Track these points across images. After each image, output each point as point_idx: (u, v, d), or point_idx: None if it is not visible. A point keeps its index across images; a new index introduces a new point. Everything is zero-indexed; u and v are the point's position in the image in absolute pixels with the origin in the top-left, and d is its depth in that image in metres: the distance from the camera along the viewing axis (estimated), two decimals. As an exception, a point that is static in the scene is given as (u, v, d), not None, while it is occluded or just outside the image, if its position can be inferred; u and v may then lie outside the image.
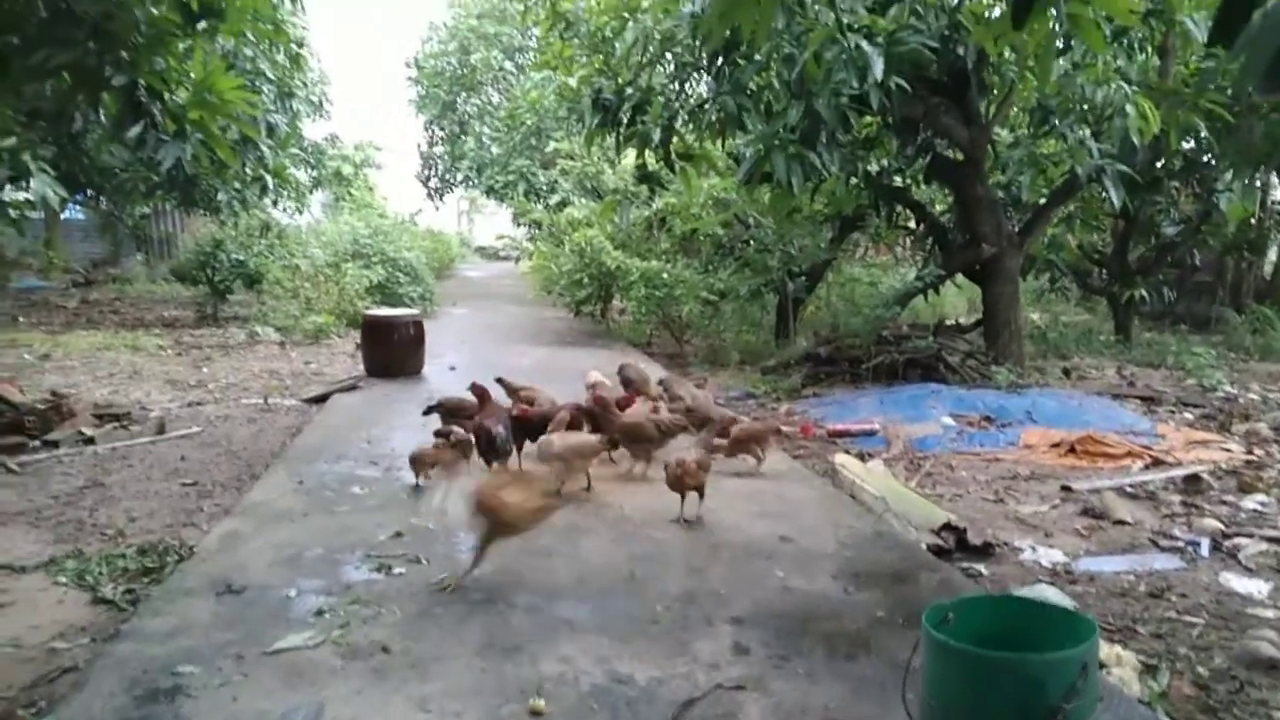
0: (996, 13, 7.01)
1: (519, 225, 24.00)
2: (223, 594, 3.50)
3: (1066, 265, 12.49)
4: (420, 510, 4.64)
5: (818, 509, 4.80)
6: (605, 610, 3.44)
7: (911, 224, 12.00)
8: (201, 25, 5.27)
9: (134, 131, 5.52)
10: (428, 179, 32.30)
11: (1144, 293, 11.72)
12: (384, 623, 3.29)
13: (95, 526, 4.48)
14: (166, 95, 5.53)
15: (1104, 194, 8.28)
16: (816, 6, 6.32)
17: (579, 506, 4.71)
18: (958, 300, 14.87)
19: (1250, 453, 6.24)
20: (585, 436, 5.02)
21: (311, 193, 18.60)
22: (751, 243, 11.17)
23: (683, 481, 4.47)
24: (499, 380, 6.32)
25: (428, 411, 5.86)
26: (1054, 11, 4.35)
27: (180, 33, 5.28)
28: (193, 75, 5.64)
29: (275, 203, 13.91)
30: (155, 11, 5.19)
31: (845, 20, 6.24)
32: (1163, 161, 10.06)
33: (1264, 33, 2.34)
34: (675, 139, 7.77)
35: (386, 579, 3.71)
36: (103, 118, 6.16)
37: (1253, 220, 13.02)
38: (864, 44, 6.17)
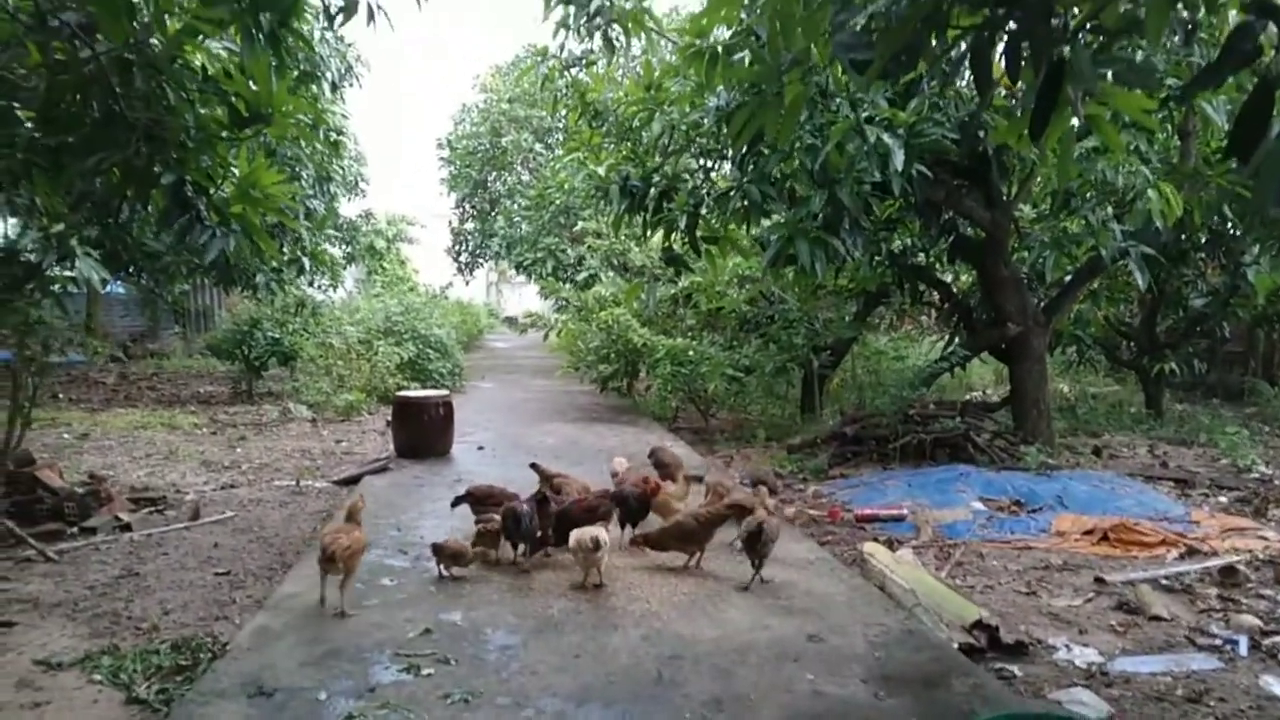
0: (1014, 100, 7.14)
1: (546, 298, 24.37)
2: (254, 696, 3.53)
3: (1094, 338, 12.43)
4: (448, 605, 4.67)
5: (846, 604, 4.75)
6: (633, 716, 3.42)
7: (936, 298, 12.06)
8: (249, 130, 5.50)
9: (179, 222, 5.74)
10: (458, 254, 33.02)
11: (1174, 366, 11.61)
12: (413, 728, 3.30)
13: (130, 619, 4.54)
14: (211, 190, 5.77)
15: (1130, 271, 8.29)
16: (838, 100, 6.50)
17: (606, 599, 4.73)
18: (983, 372, 14.83)
19: (1289, 541, 6.12)
20: (585, 530, 5.01)
21: (345, 268, 19.04)
22: (776, 319, 11.25)
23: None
24: (533, 466, 6.44)
25: (456, 503, 5.92)
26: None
27: (228, 134, 5.52)
28: (236, 170, 5.87)
29: (311, 281, 14.23)
30: (204, 111, 5.45)
31: (866, 113, 6.41)
32: (1187, 235, 10.06)
33: (1278, 151, 2.41)
34: (701, 224, 7.93)
35: (415, 680, 3.72)
36: (149, 208, 6.41)
37: (1281, 292, 12.92)
38: (885, 136, 6.33)
